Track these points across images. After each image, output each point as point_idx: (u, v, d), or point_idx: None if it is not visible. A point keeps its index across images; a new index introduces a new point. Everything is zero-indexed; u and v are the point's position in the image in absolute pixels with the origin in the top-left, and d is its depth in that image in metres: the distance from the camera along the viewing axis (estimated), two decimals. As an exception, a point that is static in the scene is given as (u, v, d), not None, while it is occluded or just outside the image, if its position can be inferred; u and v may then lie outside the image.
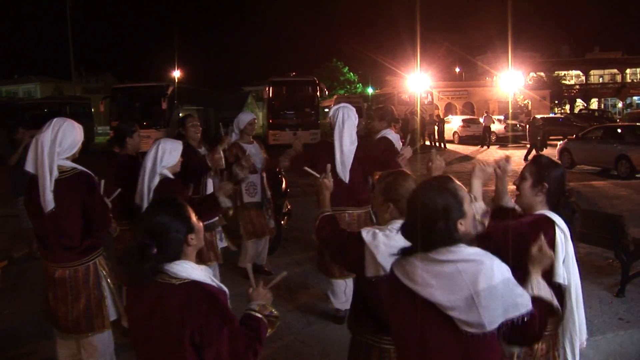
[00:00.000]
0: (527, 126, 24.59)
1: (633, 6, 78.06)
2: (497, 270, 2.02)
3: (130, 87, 27.87)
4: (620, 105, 52.33)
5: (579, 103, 53.17)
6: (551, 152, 20.05)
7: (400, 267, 2.15)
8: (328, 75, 59.67)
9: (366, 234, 2.79)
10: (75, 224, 3.84)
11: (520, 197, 2.95)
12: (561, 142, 19.84)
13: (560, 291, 2.73)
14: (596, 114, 41.22)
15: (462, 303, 1.97)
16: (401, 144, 5.93)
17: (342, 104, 5.50)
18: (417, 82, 35.61)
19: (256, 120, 6.59)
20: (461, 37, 68.43)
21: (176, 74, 43.04)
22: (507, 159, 3.20)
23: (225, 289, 2.39)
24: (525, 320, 2.03)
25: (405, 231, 2.19)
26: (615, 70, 56.22)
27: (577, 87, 54.89)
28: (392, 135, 5.99)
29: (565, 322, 2.80)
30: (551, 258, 2.40)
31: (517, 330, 2.04)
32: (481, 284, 1.97)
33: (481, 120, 30.55)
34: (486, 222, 2.73)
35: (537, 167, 2.91)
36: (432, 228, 2.07)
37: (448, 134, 30.71)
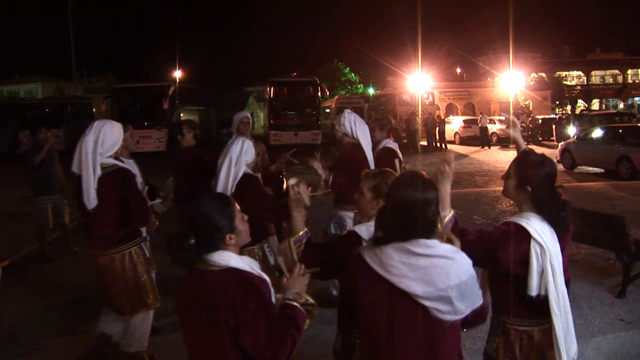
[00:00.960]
0: (554, 126, 24.61)
1: (635, 7, 77.95)
2: (467, 268, 2.22)
3: (131, 87, 27.92)
4: (621, 106, 52.29)
5: (580, 104, 53.15)
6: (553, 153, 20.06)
7: (374, 257, 2.24)
8: (329, 76, 59.72)
9: (361, 231, 2.88)
10: (111, 215, 4.15)
11: (506, 193, 2.91)
12: (562, 142, 19.83)
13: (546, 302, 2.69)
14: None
15: (436, 294, 2.15)
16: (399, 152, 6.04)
17: (347, 110, 5.73)
18: (418, 82, 35.62)
19: (249, 119, 6.48)
20: (462, 37, 68.56)
21: (177, 74, 42.99)
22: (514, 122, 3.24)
23: (267, 277, 2.44)
24: (481, 308, 2.30)
25: (383, 222, 2.30)
26: (616, 71, 56.18)
27: (579, 87, 54.87)
28: (392, 144, 6.08)
29: (554, 338, 2.71)
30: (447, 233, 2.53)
31: (474, 316, 2.29)
32: (454, 279, 2.16)
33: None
34: (447, 235, 2.59)
35: (522, 166, 2.81)
36: (414, 220, 2.21)
37: (449, 135, 30.73)
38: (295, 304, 2.41)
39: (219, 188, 4.33)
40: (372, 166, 5.35)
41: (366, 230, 2.87)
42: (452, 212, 2.72)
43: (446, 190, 2.72)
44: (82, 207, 4.15)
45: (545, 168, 2.78)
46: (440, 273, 2.16)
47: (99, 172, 4.06)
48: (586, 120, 25.23)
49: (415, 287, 2.15)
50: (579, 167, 17.95)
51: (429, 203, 2.23)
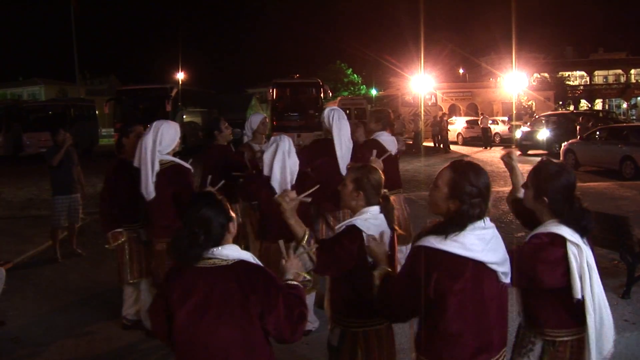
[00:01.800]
0: (578, 127, 24.54)
1: (637, 6, 77.83)
2: None
3: (134, 90, 27.91)
4: (625, 105, 52.20)
5: (583, 104, 53.04)
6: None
7: (454, 243, 2.39)
8: (332, 77, 59.66)
9: (359, 224, 3.00)
10: (169, 206, 4.55)
11: (526, 203, 2.91)
12: (565, 143, 19.78)
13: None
14: (601, 114, 41.10)
15: (503, 258, 2.46)
16: (396, 145, 6.03)
17: (333, 107, 5.79)
18: (421, 83, 35.61)
19: (266, 119, 6.73)
20: (465, 38, 68.59)
21: (180, 76, 43.01)
22: (510, 153, 3.36)
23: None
24: None
25: (472, 209, 2.44)
26: (619, 71, 56.02)
27: (582, 87, 54.76)
28: (385, 137, 6.09)
29: (586, 338, 2.70)
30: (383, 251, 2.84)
31: None
32: (503, 242, 2.51)
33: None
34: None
35: (538, 178, 2.80)
36: (487, 202, 2.49)
37: (452, 136, 30.67)
38: (296, 282, 2.62)
39: (277, 182, 4.54)
40: (343, 162, 5.38)
41: (362, 222, 3.01)
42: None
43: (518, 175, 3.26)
44: (142, 198, 4.61)
45: (561, 179, 2.75)
46: (499, 240, 2.49)
47: (157, 167, 4.53)
48: (539, 122, 25.14)
49: (492, 256, 2.42)
50: (582, 167, 17.91)
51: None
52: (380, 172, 3.19)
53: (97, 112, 34.20)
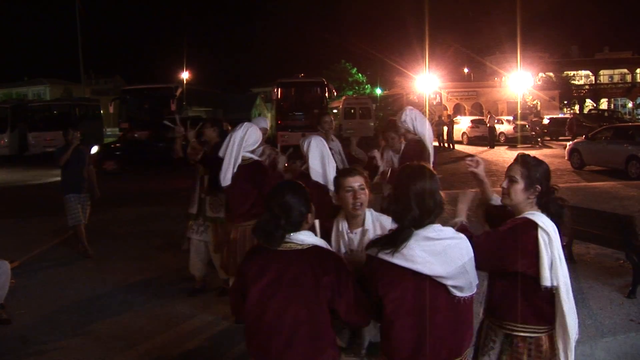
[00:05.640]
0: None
1: (643, 6, 77.28)
2: (469, 247, 2.51)
3: (139, 89, 27.95)
4: (630, 105, 52.01)
5: (589, 103, 52.87)
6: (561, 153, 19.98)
7: (397, 254, 2.43)
8: (337, 76, 59.60)
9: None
10: (248, 197, 5.09)
11: (509, 199, 2.88)
12: (570, 142, 19.72)
13: (551, 293, 2.71)
14: (606, 114, 40.96)
15: (456, 271, 2.43)
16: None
17: (410, 107, 6.02)
18: (426, 82, 35.57)
19: (266, 130, 6.55)
20: (470, 37, 68.21)
21: (185, 75, 43.07)
22: (477, 162, 3.28)
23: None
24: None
25: (399, 213, 2.50)
26: (625, 70, 55.79)
27: (587, 87, 54.55)
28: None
29: (557, 325, 2.74)
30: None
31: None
32: (465, 256, 2.47)
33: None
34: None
35: (527, 169, 2.82)
36: (429, 206, 2.47)
37: (457, 135, 30.63)
38: None
39: (318, 175, 4.63)
40: (433, 160, 5.67)
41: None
42: (464, 219, 3.00)
43: (465, 206, 3.13)
44: (219, 185, 5.11)
45: (544, 165, 2.89)
46: (455, 252, 2.44)
47: (239, 161, 5.01)
48: None
49: (439, 269, 2.40)
50: (587, 167, 17.85)
51: (436, 190, 2.52)
52: None
53: (102, 111, 34.26)
